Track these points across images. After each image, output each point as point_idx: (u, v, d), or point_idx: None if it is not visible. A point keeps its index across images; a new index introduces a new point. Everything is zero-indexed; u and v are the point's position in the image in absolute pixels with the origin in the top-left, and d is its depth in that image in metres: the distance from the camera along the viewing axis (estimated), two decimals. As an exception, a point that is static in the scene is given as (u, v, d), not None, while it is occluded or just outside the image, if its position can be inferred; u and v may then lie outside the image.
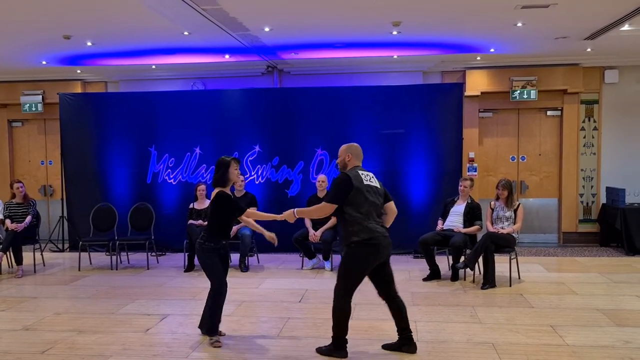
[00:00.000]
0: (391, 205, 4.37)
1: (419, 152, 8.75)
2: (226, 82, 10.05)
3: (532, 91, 9.30)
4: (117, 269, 7.86)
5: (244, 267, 7.62)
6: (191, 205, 8.06)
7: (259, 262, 8.16)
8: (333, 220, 7.23)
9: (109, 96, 10.11)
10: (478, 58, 9.31)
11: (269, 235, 4.76)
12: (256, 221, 4.96)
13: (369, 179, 4.21)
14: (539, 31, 7.48)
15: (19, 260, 7.56)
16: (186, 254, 7.74)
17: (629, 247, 8.61)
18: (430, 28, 7.42)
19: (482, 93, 9.57)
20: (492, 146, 9.95)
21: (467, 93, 9.37)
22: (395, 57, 9.11)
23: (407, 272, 7.43)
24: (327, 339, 4.34)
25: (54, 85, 10.38)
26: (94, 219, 8.28)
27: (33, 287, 6.96)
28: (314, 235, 7.41)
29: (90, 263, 8.21)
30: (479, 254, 6.49)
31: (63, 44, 7.98)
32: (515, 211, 6.74)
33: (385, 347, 4.39)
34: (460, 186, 7.15)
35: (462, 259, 6.75)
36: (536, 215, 9.91)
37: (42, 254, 8.18)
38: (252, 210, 4.83)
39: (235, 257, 7.24)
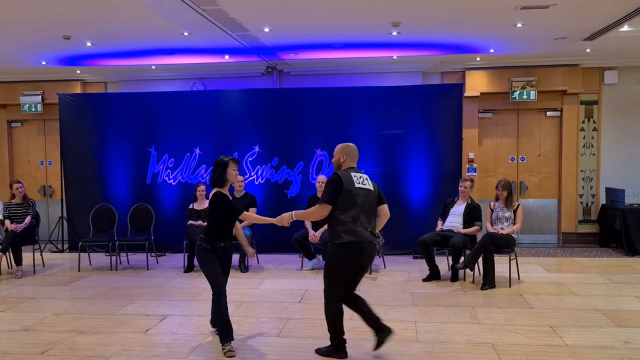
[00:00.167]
0: (384, 209, 4.31)
1: (418, 152, 8.75)
2: (226, 83, 10.06)
3: (531, 92, 9.31)
4: (116, 270, 7.85)
5: (243, 268, 7.62)
6: (191, 206, 8.06)
7: (258, 262, 8.16)
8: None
9: (108, 97, 10.11)
10: (478, 59, 9.31)
11: (251, 251, 5.15)
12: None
13: (362, 181, 4.17)
14: (539, 32, 7.48)
15: (18, 261, 7.55)
16: (186, 254, 7.74)
17: (629, 248, 8.62)
18: (429, 29, 7.42)
19: (481, 94, 9.58)
20: (492, 147, 9.95)
21: (466, 94, 9.38)
22: (394, 57, 9.11)
23: (406, 272, 7.44)
24: (326, 340, 4.34)
25: (53, 85, 10.38)
26: (94, 220, 8.28)
27: (32, 288, 6.95)
28: (314, 235, 7.41)
29: (90, 264, 8.21)
30: (478, 255, 6.50)
31: (63, 44, 7.98)
32: (514, 212, 6.74)
33: (374, 348, 4.32)
34: (461, 187, 7.15)
35: (462, 259, 6.75)
36: (536, 216, 9.92)
37: (41, 255, 8.18)
38: (248, 213, 4.79)
39: (235, 258, 7.22)
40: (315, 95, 9.03)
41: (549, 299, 5.98)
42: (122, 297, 6.27)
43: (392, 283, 6.85)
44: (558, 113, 9.74)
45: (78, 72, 10.17)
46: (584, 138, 9.63)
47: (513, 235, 6.68)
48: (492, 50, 8.70)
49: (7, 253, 7.59)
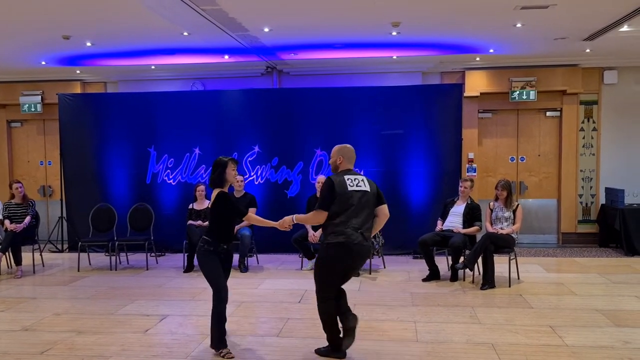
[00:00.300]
0: (383, 209, 4.30)
1: (418, 152, 8.75)
2: (225, 83, 10.06)
3: (531, 92, 9.31)
4: (116, 270, 7.85)
5: (243, 268, 7.62)
6: (190, 206, 8.05)
7: (258, 262, 8.16)
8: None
9: (108, 97, 10.11)
10: (477, 59, 9.31)
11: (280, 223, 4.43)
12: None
13: (357, 183, 4.17)
14: (538, 32, 7.48)
15: (18, 261, 7.55)
16: (185, 254, 7.74)
17: (628, 248, 8.62)
18: (429, 28, 7.42)
19: (481, 94, 9.58)
20: (492, 147, 9.95)
21: (466, 94, 9.38)
22: (394, 57, 9.11)
23: (406, 272, 7.44)
24: (326, 340, 4.33)
25: (53, 85, 10.38)
26: (93, 220, 8.28)
27: (32, 288, 6.95)
28: (314, 235, 7.41)
29: (90, 264, 8.21)
30: (478, 255, 6.50)
31: (62, 44, 7.97)
32: (514, 212, 6.74)
33: (343, 347, 4.24)
34: (461, 187, 7.15)
35: (462, 259, 6.75)
36: (535, 216, 9.92)
37: (41, 255, 8.18)
38: (250, 214, 4.76)
39: (234, 258, 7.22)
40: (315, 95, 9.02)
41: (549, 299, 5.98)
42: (122, 297, 6.27)
43: (391, 283, 6.85)
44: (558, 113, 9.75)
45: (78, 72, 10.17)
46: (583, 138, 9.63)
47: (513, 235, 6.68)
48: (491, 50, 8.70)
49: (7, 253, 7.59)
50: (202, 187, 8.04)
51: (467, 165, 9.56)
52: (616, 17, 6.73)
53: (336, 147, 4.36)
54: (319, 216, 4.15)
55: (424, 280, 6.91)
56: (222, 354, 4.32)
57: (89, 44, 8.05)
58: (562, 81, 9.39)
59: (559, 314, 5.43)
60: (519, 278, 6.83)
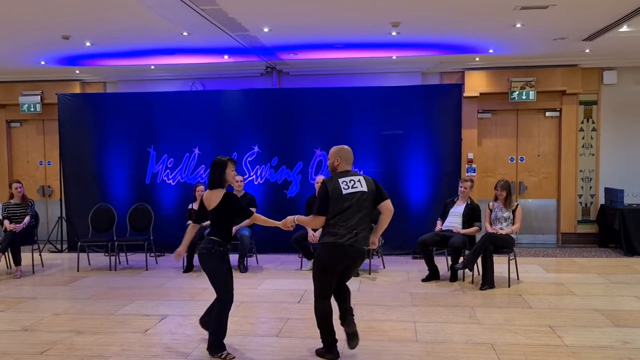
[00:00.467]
0: (386, 204, 4.27)
1: (418, 152, 8.75)
2: (225, 83, 10.06)
3: (530, 92, 9.32)
4: (116, 270, 7.85)
5: (243, 268, 7.61)
6: (190, 206, 8.06)
7: (257, 262, 8.16)
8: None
9: (107, 97, 10.10)
10: (477, 59, 9.32)
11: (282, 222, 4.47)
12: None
13: (353, 184, 4.16)
14: (538, 32, 7.49)
15: (17, 261, 7.54)
16: (185, 254, 7.71)
17: (628, 248, 8.62)
18: (429, 29, 7.43)
19: (481, 94, 9.58)
20: (491, 147, 9.96)
21: (466, 94, 9.38)
22: (394, 57, 9.12)
23: (406, 272, 7.44)
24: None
25: (52, 85, 10.37)
26: (93, 220, 8.28)
27: (32, 288, 6.95)
28: (313, 236, 7.40)
29: (89, 264, 8.20)
30: (477, 255, 6.50)
31: (62, 44, 7.97)
32: (513, 212, 6.74)
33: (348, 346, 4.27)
34: (461, 187, 7.15)
35: (461, 259, 6.76)
36: (535, 216, 9.92)
37: (40, 255, 8.17)
38: (256, 215, 4.76)
39: (234, 258, 7.23)
40: (315, 96, 9.03)
41: (548, 299, 5.98)
42: (121, 297, 6.27)
43: (391, 283, 6.86)
44: (557, 113, 9.75)
45: (77, 72, 10.17)
46: (583, 138, 9.63)
47: (512, 235, 6.68)
48: (491, 51, 8.71)
49: (6, 253, 7.58)
50: (201, 187, 8.04)
51: (466, 166, 9.56)
52: (616, 17, 6.73)
53: (333, 149, 4.35)
54: (317, 221, 4.22)
55: (424, 280, 6.91)
56: (222, 356, 4.30)
57: (88, 44, 8.04)
58: (562, 81, 9.40)
59: (558, 314, 5.44)
60: (518, 278, 6.83)
